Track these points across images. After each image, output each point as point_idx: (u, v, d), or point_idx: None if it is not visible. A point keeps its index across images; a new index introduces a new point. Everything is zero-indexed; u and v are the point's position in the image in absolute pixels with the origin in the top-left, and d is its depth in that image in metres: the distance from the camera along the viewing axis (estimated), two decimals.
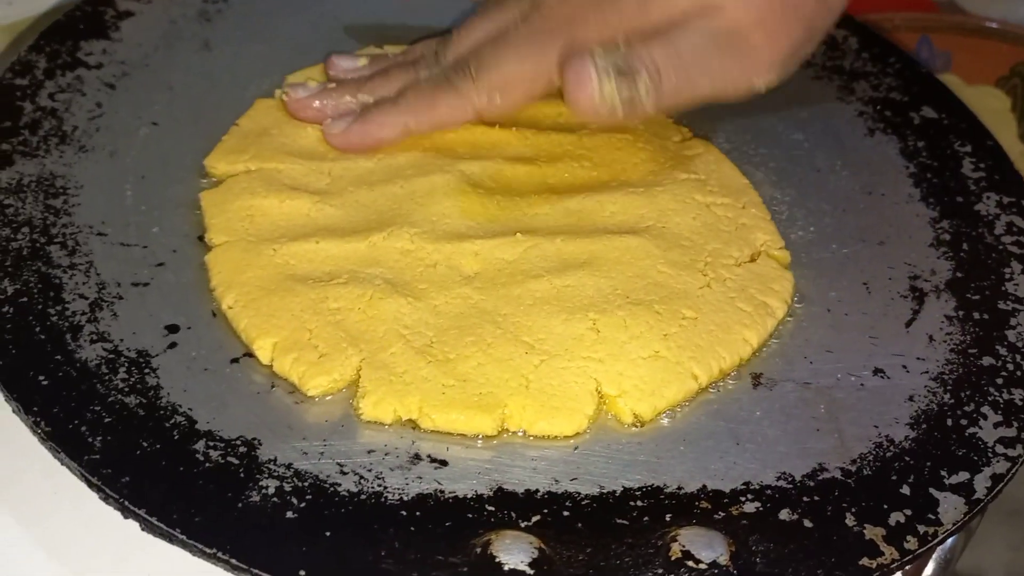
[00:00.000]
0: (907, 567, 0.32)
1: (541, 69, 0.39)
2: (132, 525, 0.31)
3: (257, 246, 0.38)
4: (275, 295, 0.36)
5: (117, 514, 0.31)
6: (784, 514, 0.32)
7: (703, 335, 0.36)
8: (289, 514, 0.31)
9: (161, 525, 0.30)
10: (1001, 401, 0.36)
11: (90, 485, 0.31)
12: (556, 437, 0.34)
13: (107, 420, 0.32)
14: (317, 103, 0.42)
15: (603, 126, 0.43)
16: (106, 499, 0.31)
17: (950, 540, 0.35)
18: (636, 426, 0.34)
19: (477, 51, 0.40)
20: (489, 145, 0.42)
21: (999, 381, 0.37)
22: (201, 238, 0.38)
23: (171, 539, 0.30)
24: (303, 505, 0.31)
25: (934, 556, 0.36)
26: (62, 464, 0.31)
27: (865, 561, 0.31)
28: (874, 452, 0.34)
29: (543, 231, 0.39)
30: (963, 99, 0.48)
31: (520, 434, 0.34)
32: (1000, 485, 0.33)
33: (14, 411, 0.33)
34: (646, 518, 0.32)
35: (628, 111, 0.37)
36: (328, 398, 0.34)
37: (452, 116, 0.41)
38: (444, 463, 0.33)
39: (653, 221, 0.40)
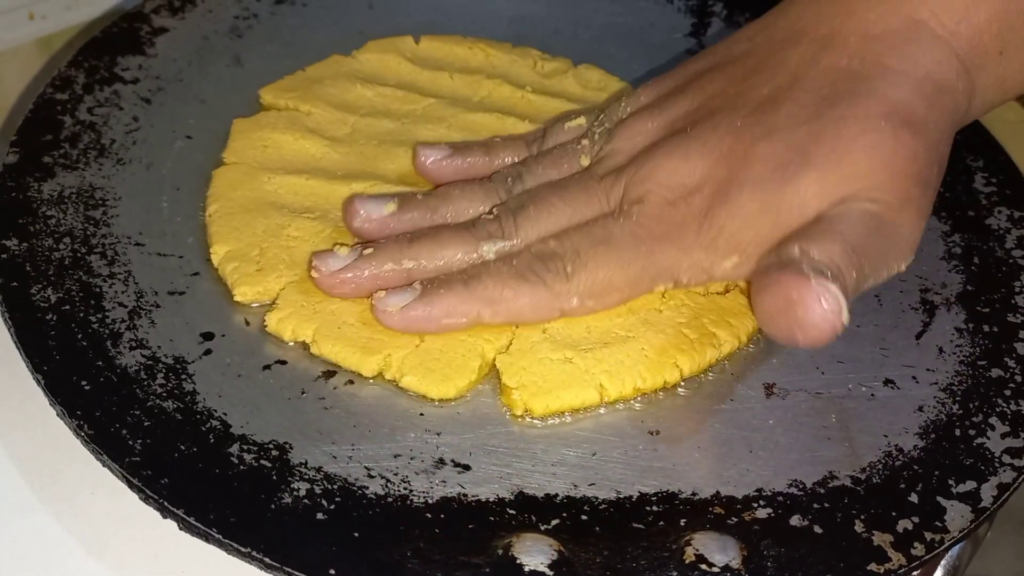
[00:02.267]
0: (915, 573, 0.33)
1: (644, 277, 0.36)
2: (167, 524, 0.32)
3: (256, 172, 0.42)
4: (248, 214, 0.40)
5: (152, 513, 0.32)
6: (795, 520, 0.33)
7: (630, 353, 0.37)
8: (319, 515, 0.32)
9: (199, 525, 0.31)
10: (1009, 412, 0.37)
11: (131, 486, 0.32)
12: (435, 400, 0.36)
13: (146, 424, 0.34)
14: (352, 275, 0.37)
15: None
16: (146, 499, 0.32)
17: (957, 548, 0.36)
18: (529, 419, 0.36)
19: (570, 245, 0.36)
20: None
21: (1007, 393, 0.38)
22: None
23: (207, 538, 0.31)
24: (332, 507, 0.32)
25: (942, 563, 0.37)
26: (104, 465, 0.33)
27: (873, 567, 0.32)
28: (883, 461, 0.35)
29: None
30: None
31: (393, 383, 0.36)
32: (1006, 494, 0.34)
33: (58, 415, 0.34)
34: (661, 522, 0.33)
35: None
36: (358, 403, 0.36)
37: (535, 313, 0.36)
38: (467, 467, 0.34)
39: None
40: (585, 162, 0.40)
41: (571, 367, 0.36)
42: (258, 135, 0.43)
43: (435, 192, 0.40)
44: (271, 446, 0.34)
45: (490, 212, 0.39)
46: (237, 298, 0.38)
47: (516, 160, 0.41)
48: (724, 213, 0.35)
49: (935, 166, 0.36)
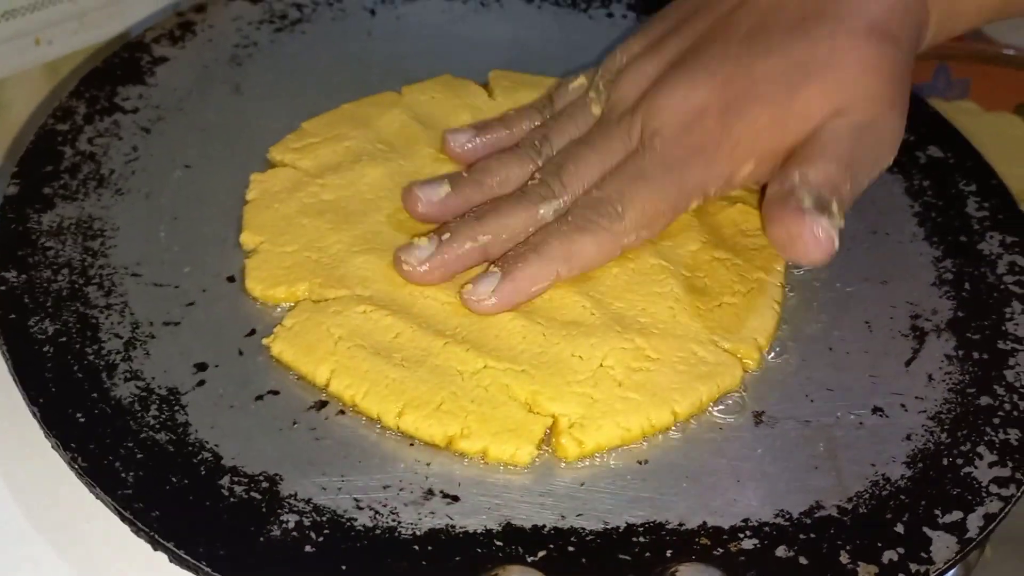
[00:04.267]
0: None
1: (682, 198, 0.40)
2: (161, 556, 0.33)
3: (305, 177, 0.43)
4: (287, 207, 0.42)
5: (147, 545, 0.33)
6: (780, 551, 0.34)
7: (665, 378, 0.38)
8: (307, 548, 0.32)
9: (188, 558, 0.32)
10: (997, 441, 0.37)
11: (122, 519, 0.33)
12: None
13: (139, 456, 0.34)
14: (440, 260, 0.39)
15: None
16: (137, 532, 0.33)
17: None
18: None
19: (613, 189, 0.40)
20: None
21: (996, 421, 0.38)
22: (230, 278, 0.40)
23: (197, 571, 0.32)
24: (321, 539, 0.33)
25: None
26: (97, 498, 0.34)
27: None
28: (870, 490, 0.35)
29: None
30: (981, 126, 0.50)
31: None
32: (992, 524, 0.35)
33: (53, 447, 0.35)
34: (647, 553, 0.33)
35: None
36: (349, 434, 0.36)
37: (602, 256, 0.40)
38: (456, 498, 0.34)
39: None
40: (597, 111, 0.43)
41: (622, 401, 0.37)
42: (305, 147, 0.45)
43: (475, 167, 0.43)
44: (261, 478, 0.34)
45: (533, 178, 0.41)
46: (248, 289, 0.40)
47: (534, 127, 0.44)
48: (739, 128, 0.39)
49: (908, 73, 0.41)
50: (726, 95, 0.40)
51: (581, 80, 0.45)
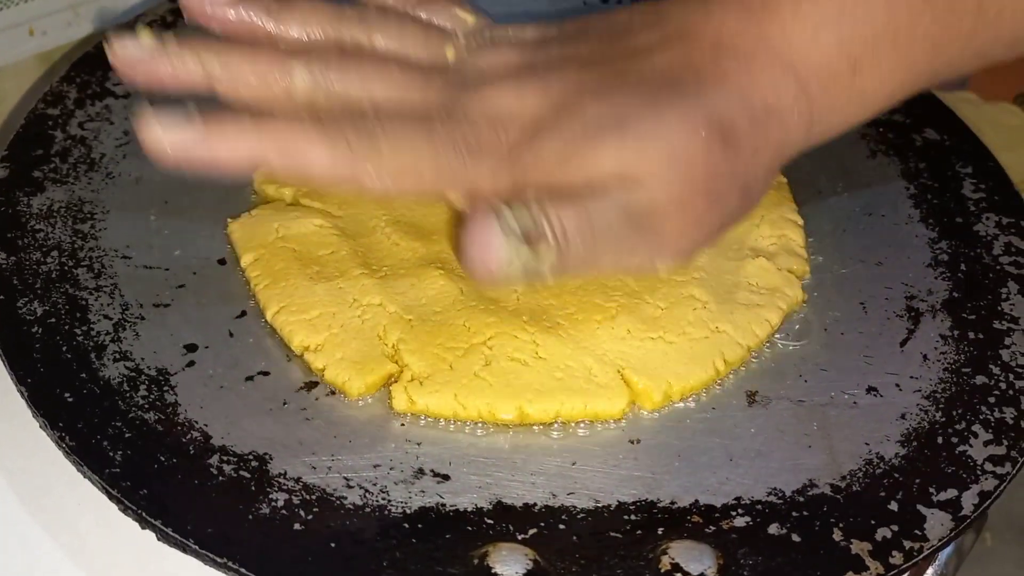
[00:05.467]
0: None
1: (446, 176, 0.35)
2: (150, 535, 0.32)
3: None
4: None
5: (136, 525, 0.33)
6: (773, 528, 0.33)
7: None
8: (296, 526, 0.32)
9: (176, 536, 0.32)
10: (992, 420, 0.37)
11: (110, 497, 0.33)
12: None
13: (127, 435, 0.34)
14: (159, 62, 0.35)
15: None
16: (125, 511, 0.32)
17: (944, 555, 0.36)
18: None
19: (395, 124, 0.35)
20: None
21: (991, 400, 0.37)
22: (221, 260, 0.40)
23: (184, 548, 0.32)
24: (310, 517, 0.32)
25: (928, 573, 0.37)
26: (85, 477, 0.33)
27: (850, 575, 0.32)
28: (864, 468, 0.35)
29: None
30: (980, 116, 0.49)
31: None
32: (987, 502, 0.34)
33: (41, 427, 0.34)
34: (639, 531, 0.33)
35: (524, 279, 0.33)
36: (339, 414, 0.36)
37: (325, 171, 0.34)
38: (447, 477, 0.34)
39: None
40: (450, 55, 0.39)
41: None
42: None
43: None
44: (251, 457, 0.34)
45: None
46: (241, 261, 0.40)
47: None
48: (528, 150, 0.35)
49: (738, 188, 0.35)
50: (540, 114, 0.35)
51: (471, 18, 0.40)
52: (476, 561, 0.32)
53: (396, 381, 0.36)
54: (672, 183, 0.34)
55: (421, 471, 0.34)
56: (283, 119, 0.34)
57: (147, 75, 0.35)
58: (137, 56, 0.35)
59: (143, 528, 0.32)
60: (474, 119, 0.36)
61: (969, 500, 0.34)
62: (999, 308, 0.40)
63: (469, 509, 0.33)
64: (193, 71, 0.35)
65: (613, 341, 0.38)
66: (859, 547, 0.33)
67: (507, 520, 0.33)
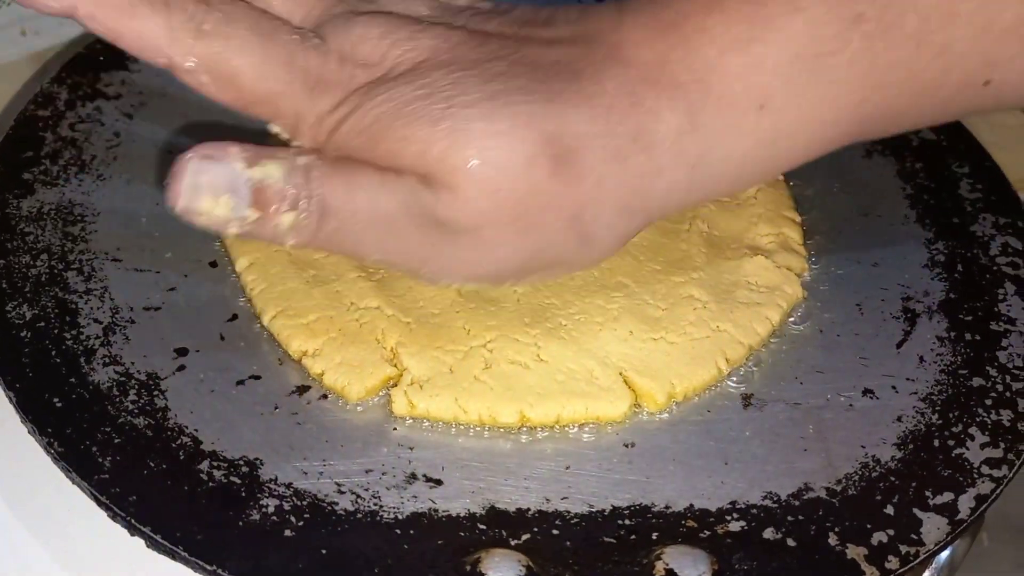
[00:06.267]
0: None
1: (268, 95, 0.33)
2: (140, 541, 0.32)
3: None
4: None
5: (125, 532, 0.32)
6: (768, 533, 0.33)
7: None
8: (287, 532, 0.32)
9: (165, 543, 0.31)
10: (989, 422, 0.36)
11: (99, 504, 0.32)
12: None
13: (117, 441, 0.34)
14: None
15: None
16: (114, 517, 0.32)
17: (940, 559, 0.36)
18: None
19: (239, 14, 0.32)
20: None
21: (988, 402, 0.37)
22: (212, 263, 0.40)
23: (173, 555, 0.31)
24: (301, 523, 0.32)
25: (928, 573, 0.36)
26: (73, 483, 0.33)
27: None
28: (860, 472, 0.35)
29: None
30: (979, 115, 0.49)
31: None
32: (984, 506, 0.34)
33: (29, 432, 0.34)
34: (633, 536, 0.33)
35: (252, 233, 0.31)
36: (331, 418, 0.36)
37: (149, 38, 0.32)
38: (439, 482, 0.34)
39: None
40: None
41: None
42: None
43: None
44: (241, 462, 0.34)
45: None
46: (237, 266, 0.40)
47: None
48: (365, 101, 0.32)
49: (564, 220, 0.32)
50: (395, 71, 0.32)
51: None
52: (469, 567, 0.31)
53: (395, 385, 0.36)
54: (476, 197, 0.30)
55: (413, 476, 0.34)
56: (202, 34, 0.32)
57: None
58: None
59: (132, 535, 0.32)
60: (328, 48, 0.33)
61: (966, 504, 0.34)
62: (996, 309, 0.40)
63: (462, 514, 0.33)
64: None
65: (616, 343, 0.37)
66: (855, 552, 0.32)
67: (500, 525, 0.33)
